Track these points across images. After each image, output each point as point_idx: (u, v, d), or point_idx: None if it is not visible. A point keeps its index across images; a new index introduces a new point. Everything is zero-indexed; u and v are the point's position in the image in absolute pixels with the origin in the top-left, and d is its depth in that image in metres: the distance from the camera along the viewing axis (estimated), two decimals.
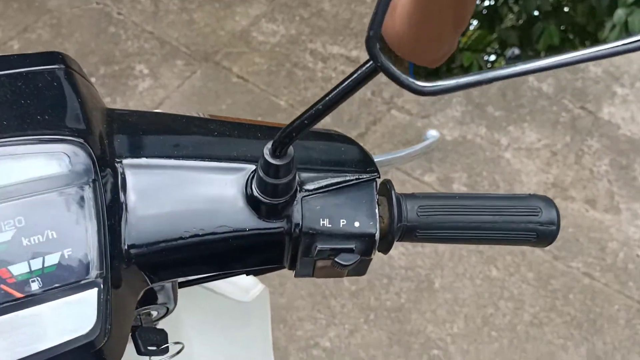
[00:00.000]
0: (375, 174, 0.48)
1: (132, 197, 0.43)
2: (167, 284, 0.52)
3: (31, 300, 0.38)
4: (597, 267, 1.75)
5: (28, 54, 0.46)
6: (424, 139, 0.62)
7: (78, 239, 0.40)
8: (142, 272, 0.43)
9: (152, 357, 0.50)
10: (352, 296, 1.68)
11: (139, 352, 0.48)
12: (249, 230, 0.44)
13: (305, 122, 0.40)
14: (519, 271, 1.74)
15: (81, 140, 0.41)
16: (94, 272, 0.39)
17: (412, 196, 0.49)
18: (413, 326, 1.64)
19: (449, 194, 0.49)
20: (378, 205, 0.47)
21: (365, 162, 0.48)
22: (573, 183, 1.90)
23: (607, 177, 1.92)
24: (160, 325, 0.60)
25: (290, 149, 0.42)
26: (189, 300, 0.72)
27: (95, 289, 0.39)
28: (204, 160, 0.45)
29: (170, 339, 0.62)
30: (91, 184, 0.40)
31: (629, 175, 1.93)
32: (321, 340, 1.61)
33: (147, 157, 0.44)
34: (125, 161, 0.44)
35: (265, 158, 0.42)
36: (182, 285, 0.54)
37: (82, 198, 0.40)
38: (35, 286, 0.39)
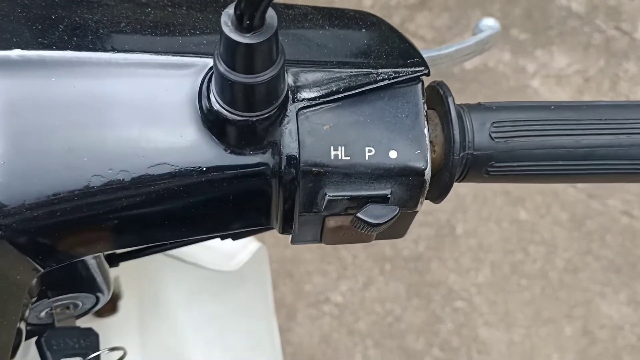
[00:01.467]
0: (422, 68, 0.29)
1: None
2: (91, 261, 0.33)
3: None
4: (636, 204, 1.60)
5: None
6: (475, 31, 0.42)
7: None
8: (21, 253, 0.25)
9: None
10: (364, 246, 1.54)
11: None
12: (207, 170, 0.26)
13: None
14: (550, 212, 1.58)
15: None
16: None
17: (479, 108, 0.31)
18: (433, 276, 1.51)
19: (538, 103, 0.30)
20: (427, 122, 0.28)
21: (403, 52, 0.29)
22: None
23: None
24: (136, 303, 0.44)
25: (271, 14, 0.23)
26: (166, 273, 0.57)
27: None
28: (125, 53, 0.26)
29: (153, 320, 0.46)
30: None
31: None
32: (332, 295, 1.48)
33: (22, 49, 0.25)
34: None
35: (225, 33, 0.23)
36: (119, 258, 0.36)
37: None
38: None
